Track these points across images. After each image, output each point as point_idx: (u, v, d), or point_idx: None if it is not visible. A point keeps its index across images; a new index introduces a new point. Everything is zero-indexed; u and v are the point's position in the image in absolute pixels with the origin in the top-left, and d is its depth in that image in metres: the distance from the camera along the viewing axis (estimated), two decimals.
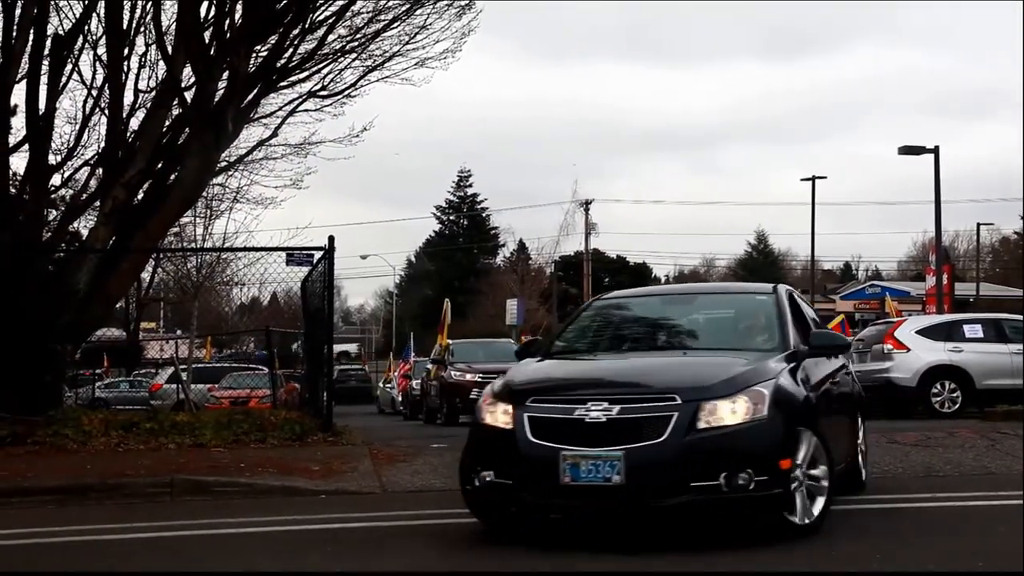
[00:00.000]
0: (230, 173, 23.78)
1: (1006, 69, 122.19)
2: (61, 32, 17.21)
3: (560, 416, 7.35)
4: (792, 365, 8.08)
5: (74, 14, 17.53)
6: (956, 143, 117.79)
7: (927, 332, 20.15)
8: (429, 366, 27.45)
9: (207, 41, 16.59)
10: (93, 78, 18.46)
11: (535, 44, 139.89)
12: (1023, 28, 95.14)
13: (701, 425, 7.17)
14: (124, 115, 17.42)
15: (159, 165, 17.21)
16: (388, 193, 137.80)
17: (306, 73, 18.17)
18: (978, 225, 68.22)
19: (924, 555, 7.05)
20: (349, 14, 17.64)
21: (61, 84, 17.14)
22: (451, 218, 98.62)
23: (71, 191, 19.82)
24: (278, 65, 17.26)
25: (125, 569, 7.55)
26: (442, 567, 7.27)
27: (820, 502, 7.72)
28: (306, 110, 19.21)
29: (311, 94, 18.62)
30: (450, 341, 26.84)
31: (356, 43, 18.19)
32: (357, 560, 7.56)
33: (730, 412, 7.25)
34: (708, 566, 6.84)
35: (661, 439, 7.08)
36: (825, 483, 7.79)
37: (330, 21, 17.43)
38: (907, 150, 36.33)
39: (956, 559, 6.93)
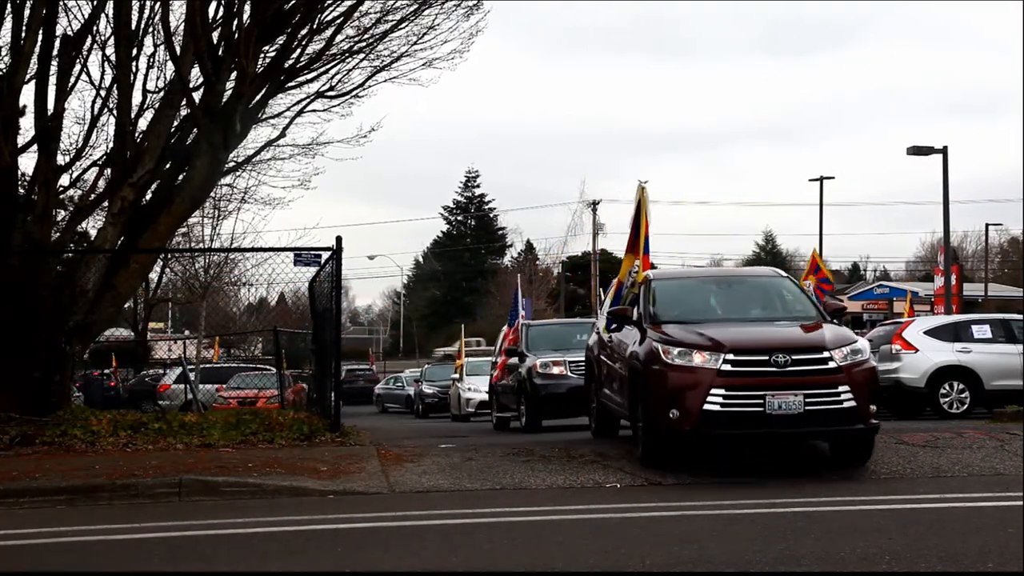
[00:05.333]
0: (238, 173, 23.75)
1: (1016, 68, 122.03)
2: (70, 33, 17.22)
3: None
4: None
5: (83, 14, 17.55)
6: (966, 143, 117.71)
7: (935, 333, 20.10)
8: (601, 334, 14.54)
9: (215, 41, 16.61)
10: (102, 78, 18.49)
11: (543, 44, 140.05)
12: (1023, 28, 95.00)
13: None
14: (132, 115, 17.41)
15: (167, 165, 17.23)
16: (396, 193, 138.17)
17: (314, 73, 18.16)
18: (987, 225, 68.23)
19: (933, 556, 7.04)
20: (357, 14, 17.64)
21: (70, 84, 17.16)
22: (459, 218, 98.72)
23: (80, 191, 19.86)
24: (286, 65, 17.27)
25: (135, 569, 7.57)
26: (448, 566, 7.28)
27: None
28: (314, 110, 19.20)
29: (319, 94, 18.62)
30: (651, 276, 13.55)
31: (364, 43, 18.19)
32: (364, 560, 7.57)
33: None
34: None
35: None
36: None
37: (338, 21, 17.43)
38: (915, 151, 36.24)
39: (964, 560, 6.92)
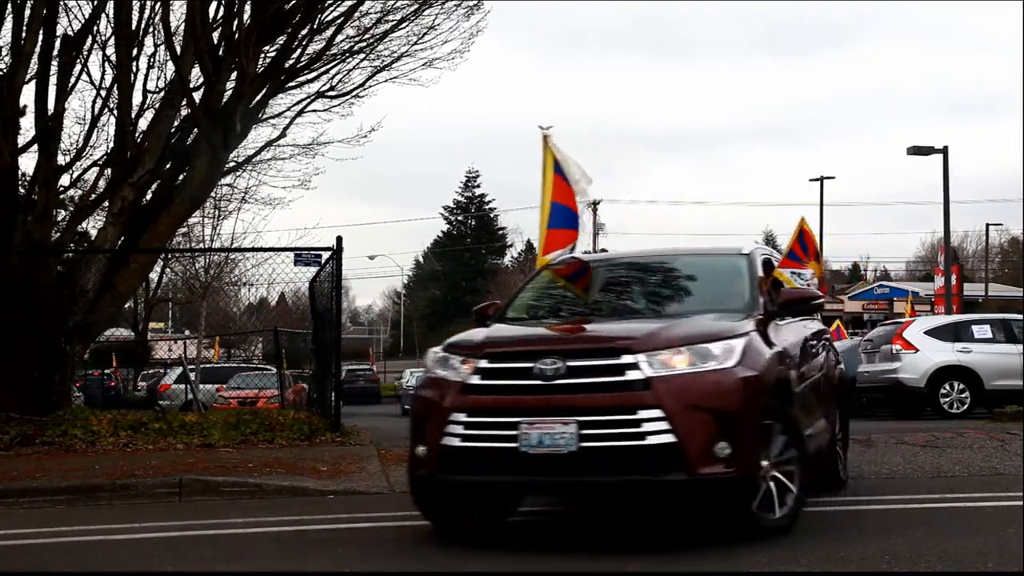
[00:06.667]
0: (238, 173, 23.76)
1: (1016, 68, 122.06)
2: (70, 33, 17.23)
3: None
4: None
5: (83, 14, 17.57)
6: (966, 143, 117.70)
7: (936, 333, 20.14)
8: None
9: (215, 41, 16.62)
10: (102, 78, 18.51)
11: (543, 44, 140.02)
12: (1023, 28, 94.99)
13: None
14: (133, 115, 17.43)
15: (168, 165, 17.24)
16: (396, 193, 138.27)
17: (314, 73, 18.19)
18: (987, 225, 68.30)
19: (932, 556, 7.04)
20: (357, 14, 17.66)
21: (70, 85, 17.17)
22: (459, 218, 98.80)
23: (80, 191, 19.88)
24: (286, 65, 17.28)
25: (135, 569, 7.56)
26: (449, 567, 7.28)
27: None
28: (314, 110, 19.22)
29: (319, 94, 18.63)
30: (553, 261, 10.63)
31: (364, 43, 18.21)
32: (365, 560, 7.56)
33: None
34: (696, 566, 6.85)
35: None
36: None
37: (338, 21, 17.45)
38: (915, 151, 36.27)
39: (965, 560, 6.91)
